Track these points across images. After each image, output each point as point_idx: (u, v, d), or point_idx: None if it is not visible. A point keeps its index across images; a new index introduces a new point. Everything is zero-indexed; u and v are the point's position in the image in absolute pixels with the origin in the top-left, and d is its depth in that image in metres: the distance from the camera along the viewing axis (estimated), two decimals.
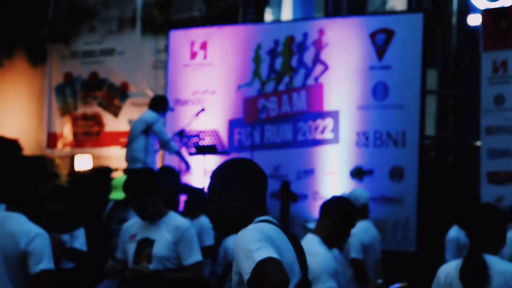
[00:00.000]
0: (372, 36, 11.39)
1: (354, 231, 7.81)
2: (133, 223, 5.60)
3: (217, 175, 3.40)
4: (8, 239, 4.73)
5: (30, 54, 14.79)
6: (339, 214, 5.21)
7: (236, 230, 3.31)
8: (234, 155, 11.93)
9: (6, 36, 14.44)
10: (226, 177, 3.37)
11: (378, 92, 11.26)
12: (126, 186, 5.52)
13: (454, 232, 8.65)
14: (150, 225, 5.48)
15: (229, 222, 3.36)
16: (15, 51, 14.69)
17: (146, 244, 5.42)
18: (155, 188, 5.43)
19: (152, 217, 5.46)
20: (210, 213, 3.41)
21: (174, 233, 5.35)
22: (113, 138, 14.28)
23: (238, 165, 3.44)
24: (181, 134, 11.61)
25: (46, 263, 4.66)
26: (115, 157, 13.81)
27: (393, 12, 14.51)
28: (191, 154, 11.61)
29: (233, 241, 7.16)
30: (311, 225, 7.84)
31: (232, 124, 12.26)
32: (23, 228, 4.75)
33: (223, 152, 11.56)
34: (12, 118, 15.36)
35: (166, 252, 5.37)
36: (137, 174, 5.58)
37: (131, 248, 5.45)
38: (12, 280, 4.70)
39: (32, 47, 14.74)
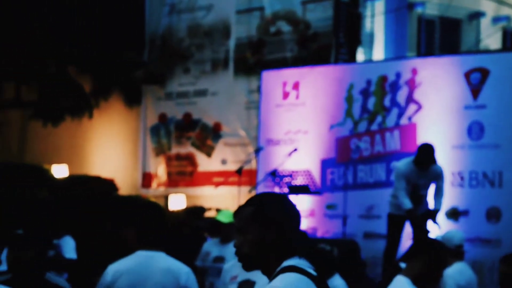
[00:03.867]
0: (467, 75, 11.26)
1: (450, 272, 7.71)
2: (234, 264, 5.61)
3: (252, 206, 3.23)
4: (166, 275, 4.94)
5: (126, 96, 15.11)
6: (428, 255, 5.12)
7: (263, 266, 3.21)
8: (326, 195, 11.90)
9: (103, 78, 14.80)
10: (265, 209, 3.21)
11: (474, 131, 11.09)
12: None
13: None
14: None
15: (257, 256, 3.21)
16: (112, 92, 15.03)
17: (247, 286, 5.41)
18: None
19: None
20: (237, 245, 3.24)
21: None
22: (206, 178, 14.40)
23: (277, 198, 3.29)
24: (274, 174, 11.63)
25: None
26: (208, 197, 13.92)
27: (488, 51, 14.32)
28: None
29: (338, 281, 7.10)
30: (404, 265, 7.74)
31: (325, 164, 12.23)
32: (177, 265, 5.03)
33: (315, 192, 11.53)
34: (108, 158, 15.68)
35: None
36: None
37: None
38: None
39: (128, 89, 15.05)
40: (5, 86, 15.66)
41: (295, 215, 3.26)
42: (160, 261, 5.00)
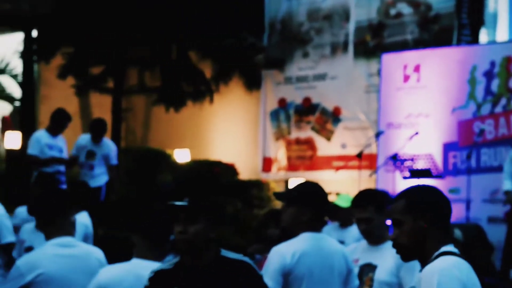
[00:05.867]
0: None
1: None
2: (355, 248, 5.62)
3: (404, 198, 3.44)
4: (338, 257, 5.00)
5: (246, 80, 15.21)
6: None
7: (420, 255, 3.39)
8: (449, 179, 11.71)
9: (223, 63, 14.95)
10: (417, 199, 3.41)
11: None
12: (358, 198, 5.56)
13: None
14: (373, 250, 5.46)
15: (414, 245, 3.40)
16: (232, 77, 15.17)
17: (368, 269, 5.40)
18: (385, 208, 5.43)
19: (376, 239, 5.44)
20: (393, 237, 3.45)
21: (397, 258, 5.27)
22: (326, 162, 14.38)
23: (427, 189, 3.49)
24: (395, 158, 11.54)
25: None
26: (328, 181, 13.89)
27: None
28: (405, 178, 11.50)
29: None
30: None
31: (447, 148, 12.04)
32: (341, 246, 5.15)
33: (437, 176, 11.36)
34: (229, 142, 15.86)
35: (388, 278, 5.31)
36: (373, 191, 5.64)
37: None
38: None
39: (248, 74, 15.16)
40: (130, 73, 16.04)
41: (446, 204, 3.44)
42: (330, 243, 5.02)
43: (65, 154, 11.24)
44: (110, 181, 11.49)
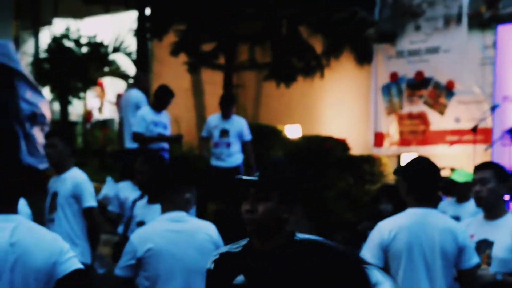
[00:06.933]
0: None
1: None
2: (470, 222, 5.52)
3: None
4: (445, 234, 4.89)
5: (356, 55, 15.09)
6: None
7: None
8: None
9: (334, 37, 14.86)
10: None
11: None
12: (481, 164, 5.53)
13: None
14: (489, 225, 5.35)
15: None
16: (343, 52, 15.06)
17: (485, 246, 5.30)
18: (504, 179, 5.34)
19: (493, 211, 5.34)
20: None
21: None
22: (439, 137, 14.16)
23: None
24: (511, 131, 11.27)
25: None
26: (441, 156, 13.68)
27: None
28: None
29: None
30: None
31: None
32: (453, 223, 5.04)
33: None
34: (340, 117, 15.79)
35: (508, 255, 5.18)
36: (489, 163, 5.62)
37: None
38: (445, 276, 4.88)
39: (359, 48, 15.02)
40: (240, 49, 16.12)
41: None
42: (436, 219, 4.93)
43: (169, 131, 11.40)
44: (245, 158, 11.57)
